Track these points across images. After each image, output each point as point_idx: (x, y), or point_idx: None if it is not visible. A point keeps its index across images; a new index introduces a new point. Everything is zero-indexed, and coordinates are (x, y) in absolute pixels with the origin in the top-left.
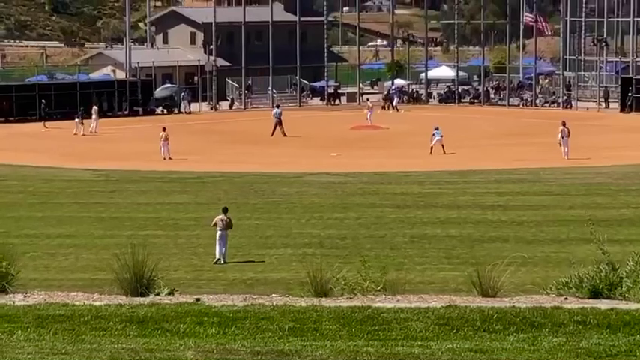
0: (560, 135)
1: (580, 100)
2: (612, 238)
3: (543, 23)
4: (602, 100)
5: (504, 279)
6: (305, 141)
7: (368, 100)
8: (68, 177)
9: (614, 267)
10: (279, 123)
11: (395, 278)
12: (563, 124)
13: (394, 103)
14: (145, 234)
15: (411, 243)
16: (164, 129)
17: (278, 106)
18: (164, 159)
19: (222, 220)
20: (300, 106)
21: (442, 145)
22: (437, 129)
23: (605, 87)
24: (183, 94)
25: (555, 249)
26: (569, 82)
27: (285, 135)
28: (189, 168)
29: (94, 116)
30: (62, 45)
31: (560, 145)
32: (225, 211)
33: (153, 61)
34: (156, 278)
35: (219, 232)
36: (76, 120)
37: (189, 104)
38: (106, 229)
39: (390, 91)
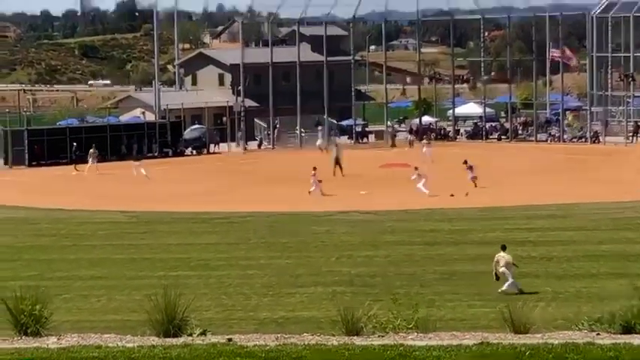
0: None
1: (608, 135)
2: None
3: (569, 56)
4: (632, 134)
5: (536, 315)
6: (334, 179)
7: (425, 138)
8: (100, 219)
9: None
10: (336, 161)
11: (426, 316)
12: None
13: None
14: (176, 274)
15: (441, 280)
16: (314, 168)
17: (337, 145)
18: (309, 192)
19: (500, 258)
20: (327, 145)
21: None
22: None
23: (636, 122)
24: (240, 133)
25: (586, 284)
26: (603, 117)
27: (342, 175)
28: (219, 208)
29: (90, 159)
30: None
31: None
32: (503, 248)
33: (182, 103)
34: (188, 319)
35: (502, 269)
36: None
37: (243, 142)
38: (137, 271)
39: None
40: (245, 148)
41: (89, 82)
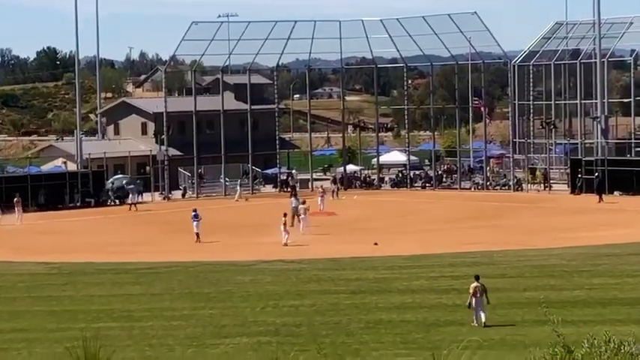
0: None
1: (531, 183)
2: (567, 320)
3: (484, 109)
4: (544, 181)
5: None
6: (258, 228)
7: (321, 186)
8: (20, 270)
9: (570, 349)
10: (295, 211)
11: None
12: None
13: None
14: (98, 326)
15: (366, 329)
16: (285, 215)
17: (296, 195)
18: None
19: (477, 287)
20: (252, 193)
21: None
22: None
23: (545, 169)
24: (132, 186)
25: (511, 332)
26: (533, 163)
27: (291, 225)
28: (143, 258)
29: (17, 208)
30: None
31: None
32: (477, 278)
33: (104, 153)
34: None
35: (475, 299)
36: None
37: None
38: (59, 323)
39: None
40: (168, 198)
41: None
